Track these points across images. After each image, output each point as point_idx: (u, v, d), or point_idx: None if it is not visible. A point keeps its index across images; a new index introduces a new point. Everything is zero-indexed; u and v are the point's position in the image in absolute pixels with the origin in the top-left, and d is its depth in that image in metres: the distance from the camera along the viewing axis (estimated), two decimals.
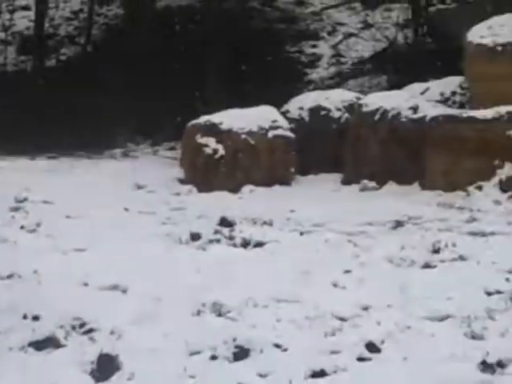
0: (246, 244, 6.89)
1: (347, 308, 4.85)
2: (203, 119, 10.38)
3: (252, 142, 10.18)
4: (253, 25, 16.81)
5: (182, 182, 10.49)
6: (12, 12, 17.26)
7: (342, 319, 4.72)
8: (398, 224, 7.62)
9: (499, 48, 9.52)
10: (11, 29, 17.17)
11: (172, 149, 13.16)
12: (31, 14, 16.92)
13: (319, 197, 9.53)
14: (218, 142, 10.09)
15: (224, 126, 10.12)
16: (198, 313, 4.87)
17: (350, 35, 16.72)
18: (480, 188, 8.96)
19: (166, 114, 13.17)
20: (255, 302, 5.01)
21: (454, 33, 12.37)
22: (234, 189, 9.85)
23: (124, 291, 5.38)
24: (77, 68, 15.77)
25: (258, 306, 4.99)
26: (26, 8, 17.71)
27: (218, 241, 6.97)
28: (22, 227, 7.43)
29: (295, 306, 4.94)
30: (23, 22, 17.48)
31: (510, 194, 8.76)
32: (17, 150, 12.57)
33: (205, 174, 10.07)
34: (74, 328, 4.65)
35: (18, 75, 16.34)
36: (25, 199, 8.71)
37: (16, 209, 8.36)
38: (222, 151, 10.00)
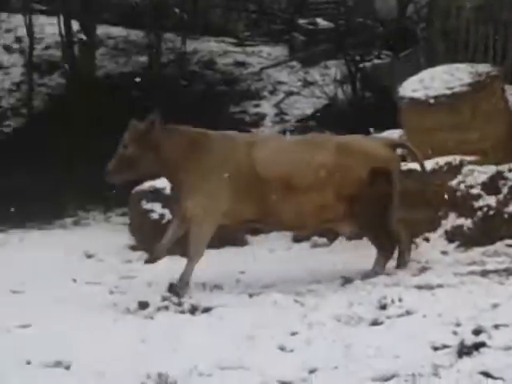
0: (194, 310, 6.82)
1: (293, 372, 4.80)
2: (147, 185, 10.34)
3: None
4: (194, 88, 17.01)
5: (133, 248, 10.41)
6: None
7: None
8: (346, 280, 7.60)
9: (431, 101, 9.69)
10: None
11: (125, 214, 13.02)
12: None
13: (270, 256, 9.53)
14: (163, 206, 10.05)
15: (168, 191, 10.10)
16: None
17: (291, 93, 16.98)
18: (427, 239, 9.02)
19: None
20: (200, 370, 4.93)
21: (389, 86, 12.63)
22: (185, 253, 9.77)
23: (67, 367, 5.28)
24: (21, 139, 15.70)
25: (203, 374, 4.91)
26: None
27: (167, 308, 6.89)
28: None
29: (240, 373, 4.87)
30: None
31: (456, 243, 8.81)
32: None
33: (154, 240, 9.98)
34: None
35: None
36: None
37: None
38: (168, 216, 9.95)
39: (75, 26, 16.72)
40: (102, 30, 18.00)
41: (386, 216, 7.61)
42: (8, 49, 18.65)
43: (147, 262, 7.90)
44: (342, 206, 7.38)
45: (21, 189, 13.45)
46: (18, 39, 18.68)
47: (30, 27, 17.19)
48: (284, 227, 8.01)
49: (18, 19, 18.22)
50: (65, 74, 17.37)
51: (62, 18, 16.75)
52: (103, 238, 11.30)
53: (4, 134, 16.68)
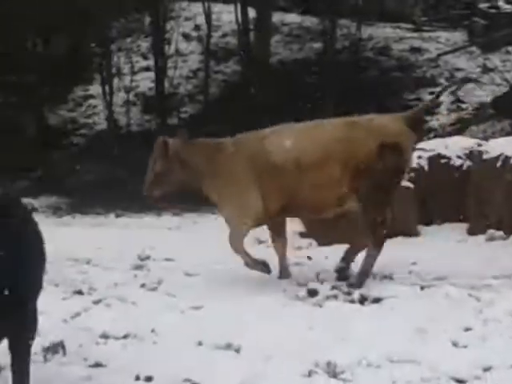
0: (363, 299, 6.72)
1: (466, 369, 4.62)
2: None
3: None
4: (368, 74, 16.82)
5: (302, 235, 10.42)
6: (134, 74, 17.88)
7: (460, 381, 4.50)
8: None
9: None
10: (134, 90, 17.77)
11: None
12: (152, 74, 17.50)
13: (443, 248, 9.24)
14: None
15: None
16: (310, 373, 4.76)
17: (469, 80, 16.45)
18: None
19: None
20: (369, 361, 4.85)
21: None
22: (344, 240, 9.71)
23: (237, 350, 5.34)
24: (197, 124, 16.12)
25: (372, 365, 4.83)
26: (147, 69, 18.33)
27: (336, 297, 6.82)
28: (142, 285, 7.54)
29: (411, 367, 4.74)
30: (145, 82, 18.09)
31: None
32: (144, 207, 12.87)
33: (324, 227, 9.95)
34: None
35: (143, 134, 16.84)
36: (147, 257, 8.85)
37: (138, 267, 8.52)
38: None
39: (251, 13, 16.95)
40: (277, 16, 18.15)
41: (389, 194, 7.34)
42: (187, 37, 19.21)
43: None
44: (350, 179, 7.19)
45: None
46: (197, 27, 19.21)
47: (208, 15, 17.61)
48: (306, 209, 7.68)
49: (197, 7, 18.73)
50: (240, 61, 17.67)
51: (238, 5, 17.04)
52: None
53: (181, 119, 17.20)
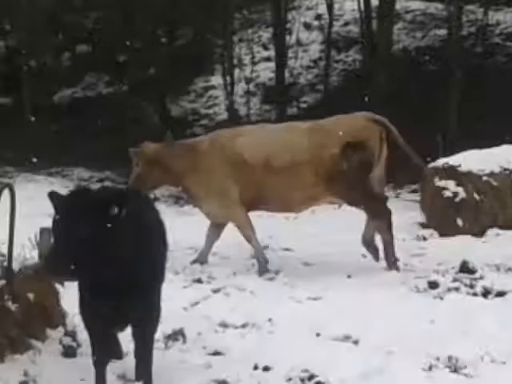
0: (486, 293, 6.52)
1: None
2: (441, 162, 10.10)
3: (495, 183, 9.72)
4: (494, 61, 16.29)
5: (423, 226, 10.22)
6: (255, 64, 17.97)
7: None
8: None
9: None
10: (255, 80, 17.85)
11: (414, 191, 12.87)
12: (273, 65, 17.55)
13: None
14: (457, 184, 9.76)
15: (463, 168, 9.77)
16: (430, 368, 4.64)
17: None
18: None
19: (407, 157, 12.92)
20: (492, 357, 4.68)
21: None
22: (478, 233, 9.47)
23: (355, 342, 5.29)
24: (316, 115, 16.02)
25: (495, 361, 4.66)
26: (267, 59, 18.39)
27: (457, 289, 6.64)
28: (260, 275, 7.57)
29: None
30: (265, 73, 18.15)
31: None
32: None
33: (446, 218, 9.75)
34: (302, 381, 4.62)
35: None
36: (265, 247, 8.87)
37: None
38: (462, 194, 9.65)
39: (374, 1, 16.74)
40: (400, 4, 17.85)
41: (368, 183, 7.64)
42: (308, 26, 19.14)
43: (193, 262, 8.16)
44: (322, 182, 7.57)
45: None
46: (318, 16, 19.12)
47: (330, 4, 17.49)
48: (275, 208, 8.16)
49: None
50: (362, 49, 17.48)
51: None
52: (393, 215, 11.17)
53: (301, 109, 17.17)
